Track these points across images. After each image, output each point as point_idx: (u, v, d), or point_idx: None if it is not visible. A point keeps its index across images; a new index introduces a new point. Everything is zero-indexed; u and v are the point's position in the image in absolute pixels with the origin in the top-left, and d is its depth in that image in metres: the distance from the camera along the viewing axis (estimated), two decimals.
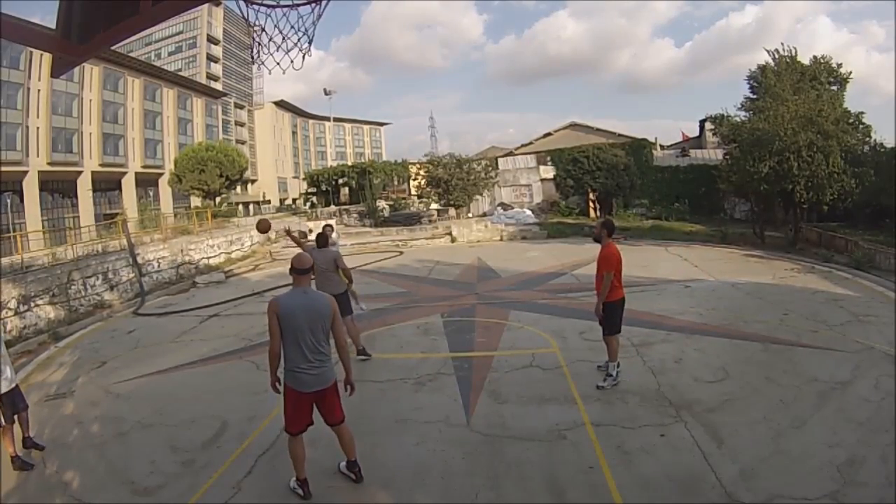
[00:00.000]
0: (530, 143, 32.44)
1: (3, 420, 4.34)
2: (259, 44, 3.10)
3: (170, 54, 59.65)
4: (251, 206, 50.98)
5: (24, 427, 4.57)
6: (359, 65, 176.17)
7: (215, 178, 27.54)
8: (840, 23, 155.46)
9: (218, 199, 30.02)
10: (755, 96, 19.15)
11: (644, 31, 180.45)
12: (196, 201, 33.36)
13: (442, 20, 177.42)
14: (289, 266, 3.54)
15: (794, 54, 18.83)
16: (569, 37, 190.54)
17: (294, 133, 74.65)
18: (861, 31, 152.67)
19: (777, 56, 18.98)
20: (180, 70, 55.47)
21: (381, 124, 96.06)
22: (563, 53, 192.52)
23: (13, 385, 4.51)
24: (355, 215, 28.49)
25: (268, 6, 2.97)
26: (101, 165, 37.91)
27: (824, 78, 19.37)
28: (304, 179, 48.24)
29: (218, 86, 58.29)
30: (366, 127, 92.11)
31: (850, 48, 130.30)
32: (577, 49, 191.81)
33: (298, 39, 3.02)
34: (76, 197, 36.41)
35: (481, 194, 25.36)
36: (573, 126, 31.40)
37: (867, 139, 16.55)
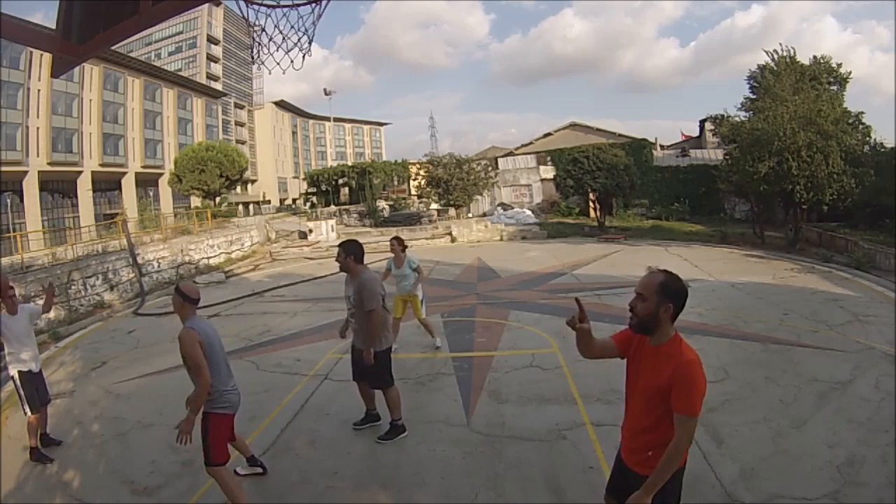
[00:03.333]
0: (530, 143, 32.48)
1: (29, 409, 4.36)
2: (259, 44, 3.10)
3: (170, 54, 59.68)
4: (251, 206, 50.98)
5: (42, 422, 4.60)
6: (362, 63, 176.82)
7: (215, 178, 27.51)
8: (845, 23, 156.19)
9: (218, 199, 30.00)
10: (755, 96, 19.15)
11: (649, 31, 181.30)
12: (196, 201, 33.35)
13: (448, 18, 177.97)
14: (184, 296, 3.43)
15: (792, 54, 18.82)
16: (574, 36, 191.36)
17: (294, 133, 74.69)
18: (866, 31, 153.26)
19: (775, 56, 18.98)
20: (180, 70, 55.49)
21: (381, 124, 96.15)
22: (567, 53, 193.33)
23: (39, 368, 4.58)
24: (355, 215, 28.51)
25: (268, 6, 2.97)
26: (101, 165, 37.92)
27: (824, 78, 19.37)
28: (304, 179, 48.32)
29: (218, 86, 58.30)
30: (366, 127, 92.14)
31: (855, 48, 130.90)
32: (581, 48, 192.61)
33: (299, 39, 3.02)
34: (76, 197, 36.43)
35: (481, 194, 25.36)
36: (573, 126, 31.43)
37: (867, 139, 16.55)
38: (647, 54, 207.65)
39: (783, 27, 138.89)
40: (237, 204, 40.45)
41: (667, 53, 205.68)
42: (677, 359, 2.01)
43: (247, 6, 2.95)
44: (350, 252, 4.13)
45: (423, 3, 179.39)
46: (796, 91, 15.43)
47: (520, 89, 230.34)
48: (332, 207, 30.79)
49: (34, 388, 4.45)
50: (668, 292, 2.05)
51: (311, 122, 79.42)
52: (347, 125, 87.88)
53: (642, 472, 2.12)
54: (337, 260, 4.23)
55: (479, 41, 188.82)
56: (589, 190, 20.20)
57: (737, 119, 17.41)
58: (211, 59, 60.85)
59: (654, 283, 2.06)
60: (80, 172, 36.23)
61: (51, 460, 4.30)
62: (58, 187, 35.45)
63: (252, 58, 3.19)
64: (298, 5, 2.95)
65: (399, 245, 6.19)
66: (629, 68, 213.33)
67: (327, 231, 21.70)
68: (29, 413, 4.36)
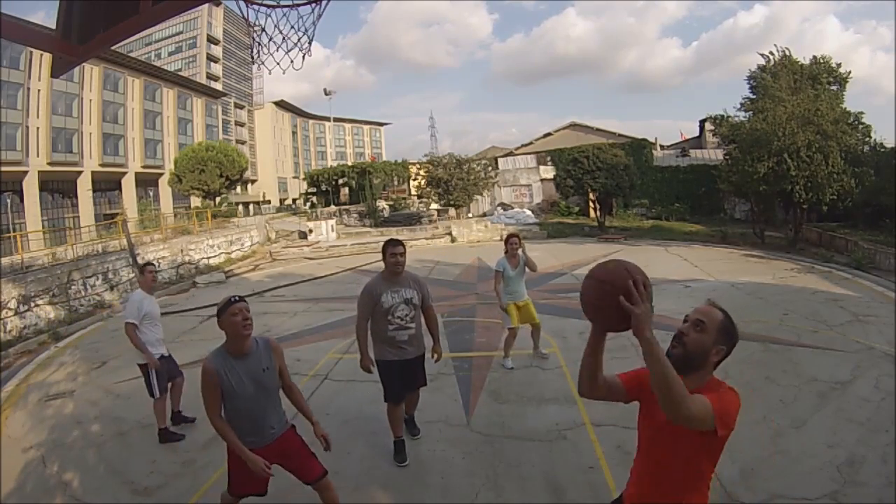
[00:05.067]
0: (530, 143, 32.50)
1: (156, 391, 4.43)
2: (259, 44, 3.09)
3: (170, 54, 59.70)
4: (251, 206, 51.00)
5: (175, 399, 4.73)
6: (364, 63, 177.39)
7: (215, 178, 27.52)
8: (847, 23, 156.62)
9: (218, 199, 30.00)
10: (755, 97, 19.15)
11: (652, 31, 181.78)
12: (196, 201, 33.36)
13: (451, 18, 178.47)
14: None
15: (788, 54, 18.81)
16: (577, 35, 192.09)
17: (294, 133, 74.71)
18: (868, 31, 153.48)
19: (771, 57, 18.97)
20: (180, 70, 55.50)
21: (381, 124, 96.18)
22: (570, 52, 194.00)
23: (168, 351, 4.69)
24: (355, 215, 28.51)
25: (268, 6, 2.97)
26: (101, 165, 37.93)
27: (823, 78, 19.35)
28: (304, 179, 48.34)
29: (218, 86, 58.31)
30: (366, 127, 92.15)
31: (857, 48, 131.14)
32: (584, 48, 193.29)
33: (299, 39, 3.02)
34: (76, 197, 36.43)
35: (481, 194, 25.37)
36: (573, 126, 31.45)
37: (867, 139, 16.55)
38: (649, 54, 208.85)
39: (785, 27, 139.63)
40: (237, 204, 40.45)
41: (668, 53, 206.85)
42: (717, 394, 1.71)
43: (247, 6, 2.95)
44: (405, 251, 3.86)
45: (427, 3, 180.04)
46: (795, 91, 15.42)
47: (521, 89, 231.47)
48: (332, 207, 30.79)
49: (165, 371, 4.56)
50: (727, 334, 1.77)
51: (311, 122, 79.44)
52: (347, 125, 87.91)
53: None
54: (401, 258, 3.80)
55: (482, 41, 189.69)
56: (589, 190, 20.20)
57: (736, 119, 17.42)
58: (211, 59, 60.85)
59: (716, 318, 1.76)
60: (80, 172, 36.23)
61: (181, 437, 4.44)
62: (58, 187, 35.45)
63: (252, 58, 3.19)
64: (298, 5, 2.94)
65: (519, 243, 5.69)
66: (631, 68, 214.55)
67: (327, 231, 21.70)
68: (157, 396, 4.44)
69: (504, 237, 6.06)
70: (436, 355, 4.04)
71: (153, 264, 4.77)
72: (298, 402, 2.85)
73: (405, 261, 3.84)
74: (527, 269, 5.71)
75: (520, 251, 5.68)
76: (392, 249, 3.78)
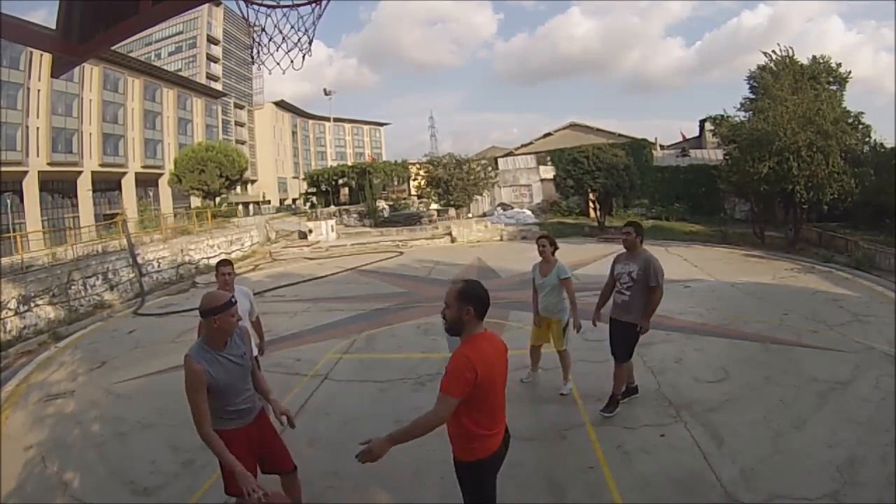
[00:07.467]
0: (530, 143, 32.49)
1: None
2: (259, 44, 3.09)
3: (170, 54, 59.69)
4: (251, 207, 51.01)
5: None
6: (366, 62, 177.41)
7: (215, 179, 27.51)
8: (851, 23, 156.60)
9: (218, 200, 30.00)
10: (755, 97, 19.15)
11: (655, 30, 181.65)
12: (196, 201, 33.36)
13: (455, 17, 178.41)
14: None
15: (790, 54, 18.82)
16: (581, 35, 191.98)
17: (294, 133, 74.73)
18: (871, 31, 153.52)
19: (773, 57, 18.98)
20: (180, 70, 55.50)
21: (381, 124, 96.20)
22: (573, 52, 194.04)
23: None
24: (355, 215, 28.52)
25: (268, 6, 2.97)
26: (101, 165, 37.92)
27: (823, 78, 19.35)
28: (304, 180, 48.35)
29: (218, 86, 58.31)
30: (366, 127, 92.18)
31: (860, 48, 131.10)
32: (587, 48, 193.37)
33: (299, 39, 3.02)
34: (76, 197, 36.42)
35: (481, 194, 25.37)
36: (573, 126, 31.44)
37: (867, 139, 16.55)
38: (652, 54, 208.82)
39: (789, 27, 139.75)
40: (237, 204, 40.44)
41: (671, 53, 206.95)
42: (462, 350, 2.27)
43: (247, 6, 2.95)
44: (639, 232, 4.57)
45: (432, 3, 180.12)
46: (795, 91, 15.41)
47: (524, 89, 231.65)
48: (332, 208, 30.78)
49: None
50: (466, 297, 2.29)
51: (311, 122, 79.48)
52: (347, 125, 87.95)
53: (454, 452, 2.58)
54: (628, 237, 4.53)
55: (485, 40, 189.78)
56: (589, 190, 20.19)
57: (736, 119, 17.43)
58: (211, 59, 60.85)
59: (454, 291, 2.31)
60: (80, 172, 36.23)
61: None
62: (58, 187, 35.44)
63: (252, 58, 3.19)
64: (298, 5, 2.95)
65: (551, 247, 5.07)
66: (634, 68, 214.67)
67: (327, 231, 21.70)
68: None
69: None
70: (641, 328, 4.42)
71: (225, 263, 4.42)
72: (260, 381, 2.91)
73: (631, 239, 4.57)
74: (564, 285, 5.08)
75: (555, 258, 5.12)
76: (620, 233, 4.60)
